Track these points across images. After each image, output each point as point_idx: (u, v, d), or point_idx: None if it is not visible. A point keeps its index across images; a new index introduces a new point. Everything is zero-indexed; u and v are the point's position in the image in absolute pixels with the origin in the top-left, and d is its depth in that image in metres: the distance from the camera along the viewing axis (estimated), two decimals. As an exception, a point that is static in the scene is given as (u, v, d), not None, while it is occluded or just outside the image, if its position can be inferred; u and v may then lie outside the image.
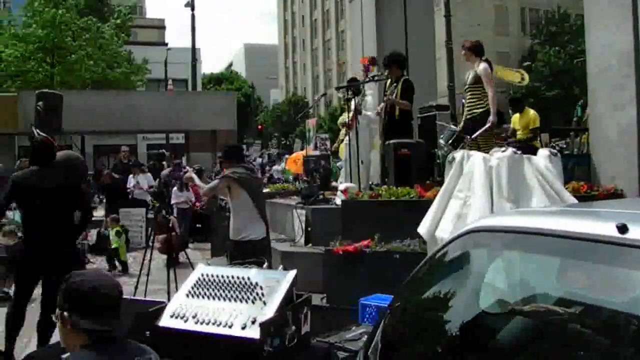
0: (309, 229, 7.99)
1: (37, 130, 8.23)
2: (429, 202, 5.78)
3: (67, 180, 5.72)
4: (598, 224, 2.00)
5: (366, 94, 9.46)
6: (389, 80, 8.91)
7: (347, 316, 5.44)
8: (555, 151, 5.99)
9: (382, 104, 8.95)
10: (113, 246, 10.98)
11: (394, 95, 8.67)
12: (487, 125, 7.47)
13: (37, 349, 3.82)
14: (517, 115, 10.64)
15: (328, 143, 13.26)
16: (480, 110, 7.59)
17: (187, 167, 7.17)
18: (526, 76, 10.16)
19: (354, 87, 9.26)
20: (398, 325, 2.72)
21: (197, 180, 6.53)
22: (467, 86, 7.76)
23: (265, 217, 6.33)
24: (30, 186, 5.56)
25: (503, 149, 5.58)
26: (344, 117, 10.21)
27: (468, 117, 7.78)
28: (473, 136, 7.49)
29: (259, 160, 31.87)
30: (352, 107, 9.10)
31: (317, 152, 11.92)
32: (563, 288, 2.24)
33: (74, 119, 16.04)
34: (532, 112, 10.60)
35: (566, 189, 5.72)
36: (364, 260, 6.52)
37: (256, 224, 6.21)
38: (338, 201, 8.03)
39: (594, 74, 7.71)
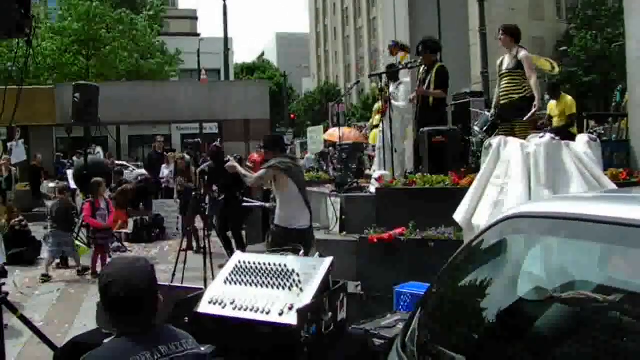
0: (343, 217, 7.99)
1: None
2: (464, 190, 5.73)
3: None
4: (641, 209, 1.97)
5: (402, 83, 9.37)
6: (422, 67, 8.82)
7: (382, 304, 5.44)
8: (594, 137, 5.88)
9: (415, 93, 8.87)
10: None
11: (428, 82, 8.59)
12: (533, 110, 7.35)
13: (80, 334, 3.91)
14: (553, 101, 10.46)
15: (367, 131, 13.24)
16: (518, 95, 7.46)
17: (228, 157, 7.16)
18: (556, 66, 9.96)
19: (389, 74, 9.20)
20: (436, 313, 2.71)
21: (241, 170, 6.55)
22: (505, 71, 7.62)
23: (309, 206, 6.38)
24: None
25: (541, 135, 5.50)
26: (379, 104, 10.17)
27: (504, 102, 7.66)
28: (526, 117, 7.37)
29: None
30: (388, 93, 9.03)
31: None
32: (603, 275, 2.20)
33: (110, 110, 16.29)
34: (568, 98, 10.41)
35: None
36: (399, 248, 6.51)
37: (304, 213, 6.26)
38: (372, 189, 8.01)
39: (634, 58, 7.53)
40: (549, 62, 9.80)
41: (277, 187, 6.27)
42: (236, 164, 6.60)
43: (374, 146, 11.88)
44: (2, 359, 4.47)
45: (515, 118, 7.47)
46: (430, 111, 8.52)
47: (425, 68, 8.68)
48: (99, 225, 9.57)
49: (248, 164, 10.97)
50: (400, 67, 9.27)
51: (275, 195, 6.43)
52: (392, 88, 9.17)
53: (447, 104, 9.21)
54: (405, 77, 9.45)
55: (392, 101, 9.06)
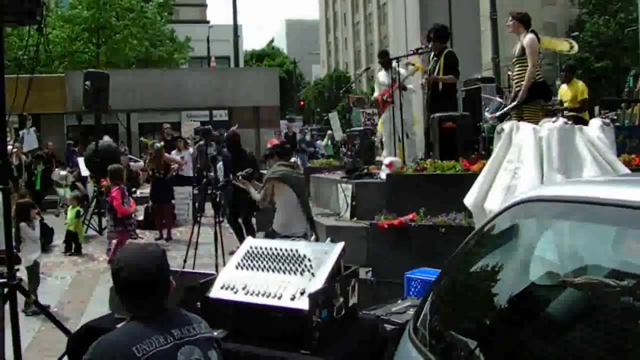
0: (354, 203, 8.00)
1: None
2: (475, 176, 5.71)
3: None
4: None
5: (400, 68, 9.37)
6: (432, 53, 8.80)
7: (393, 289, 5.46)
8: (607, 121, 5.82)
9: (425, 79, 8.86)
10: (69, 227, 10.53)
11: (437, 68, 8.56)
12: (514, 103, 7.29)
13: (93, 319, 3.94)
14: (564, 86, 10.35)
15: (376, 118, 13.16)
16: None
17: (238, 175, 7.10)
18: (575, 44, 9.80)
19: (382, 62, 9.29)
20: (447, 298, 2.71)
21: (251, 190, 6.71)
22: (514, 58, 7.57)
23: (309, 212, 6.45)
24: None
25: (553, 119, 5.46)
26: (375, 94, 10.21)
27: (517, 89, 7.60)
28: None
29: (299, 136, 31.60)
30: (384, 81, 9.06)
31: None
32: (616, 259, 2.19)
33: (120, 97, 16.33)
34: (580, 83, 10.31)
35: (617, 161, 5.56)
36: (409, 234, 6.51)
37: (300, 220, 6.35)
38: (383, 175, 8.01)
39: (647, 42, 7.45)
40: (567, 41, 9.65)
41: (275, 194, 6.37)
42: (247, 182, 6.74)
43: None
44: (17, 343, 4.52)
45: (525, 103, 7.38)
46: (440, 98, 8.49)
47: (435, 55, 8.66)
48: (127, 212, 9.16)
49: None
50: (411, 51, 9.23)
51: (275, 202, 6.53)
52: (382, 76, 9.23)
53: (457, 89, 9.17)
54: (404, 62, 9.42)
55: (406, 86, 9.05)
